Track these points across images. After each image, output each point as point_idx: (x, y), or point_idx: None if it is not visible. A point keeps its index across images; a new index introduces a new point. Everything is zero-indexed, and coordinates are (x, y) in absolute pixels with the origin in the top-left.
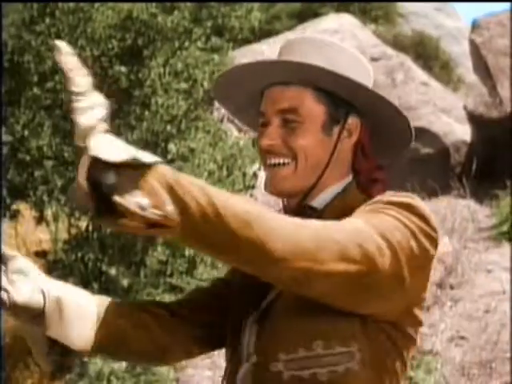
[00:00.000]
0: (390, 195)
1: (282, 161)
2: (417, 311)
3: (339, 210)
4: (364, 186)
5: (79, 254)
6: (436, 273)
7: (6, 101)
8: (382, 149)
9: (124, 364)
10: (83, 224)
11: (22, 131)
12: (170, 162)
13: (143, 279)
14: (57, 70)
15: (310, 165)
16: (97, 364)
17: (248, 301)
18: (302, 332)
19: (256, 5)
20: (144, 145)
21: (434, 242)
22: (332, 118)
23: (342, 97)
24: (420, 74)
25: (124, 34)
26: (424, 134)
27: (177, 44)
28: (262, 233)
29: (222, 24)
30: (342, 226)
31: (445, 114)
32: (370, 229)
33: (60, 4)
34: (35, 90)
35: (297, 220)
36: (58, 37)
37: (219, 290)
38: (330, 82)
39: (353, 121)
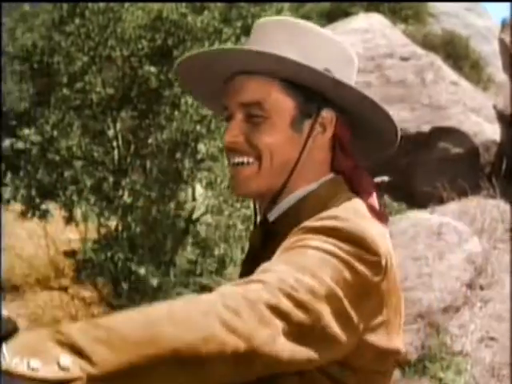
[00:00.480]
0: (316, 219)
1: (245, 160)
2: (373, 338)
3: (293, 221)
4: (350, 186)
5: (109, 254)
6: (466, 274)
7: (36, 101)
8: (365, 148)
9: None
10: (113, 223)
11: (51, 131)
12: (200, 161)
13: (173, 279)
14: (86, 70)
15: (277, 164)
16: None
17: None
18: None
19: (286, 5)
20: (174, 144)
21: (374, 265)
22: (302, 112)
23: (314, 89)
24: (450, 73)
25: (154, 34)
26: (454, 133)
27: (207, 44)
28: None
29: (252, 24)
30: (260, 281)
31: (474, 114)
32: (295, 273)
33: (90, 4)
34: (65, 90)
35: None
36: (88, 37)
37: None
38: (300, 75)
39: (327, 114)
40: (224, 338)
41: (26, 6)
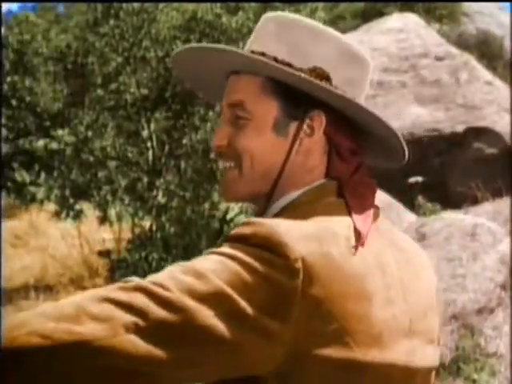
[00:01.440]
0: (234, 230)
1: (228, 164)
2: (325, 350)
3: None
4: (344, 196)
5: (143, 254)
6: (500, 275)
7: (70, 102)
8: (373, 155)
9: None
10: (147, 224)
11: (85, 132)
12: None
13: None
14: (121, 71)
15: (259, 169)
16: None
17: None
18: None
19: (320, 5)
20: (208, 145)
21: (286, 268)
22: (288, 114)
23: (300, 89)
24: (484, 73)
25: (188, 34)
26: (488, 133)
27: (241, 44)
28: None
29: None
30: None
31: (509, 114)
32: (177, 273)
33: (124, 5)
34: (99, 91)
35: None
36: (123, 38)
37: None
38: (278, 76)
39: (315, 115)
40: (59, 334)
41: (60, 7)
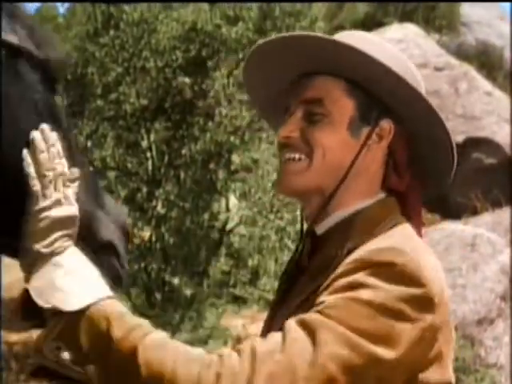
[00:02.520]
0: (371, 249)
1: (296, 156)
2: (424, 375)
3: (338, 235)
4: (402, 209)
5: (142, 264)
6: (500, 285)
7: (70, 112)
8: (420, 171)
9: None
10: (146, 234)
11: (85, 142)
12: (234, 172)
13: (206, 289)
14: (120, 81)
15: (328, 164)
16: None
17: None
18: None
19: (320, 15)
20: (208, 155)
21: (428, 303)
22: (362, 117)
23: (378, 95)
24: (484, 83)
25: (188, 45)
26: (487, 144)
27: (241, 55)
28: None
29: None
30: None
31: (508, 124)
32: (334, 344)
33: (124, 16)
34: (99, 101)
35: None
36: (123, 48)
37: None
38: (368, 75)
39: (386, 124)
40: None
41: (61, 18)
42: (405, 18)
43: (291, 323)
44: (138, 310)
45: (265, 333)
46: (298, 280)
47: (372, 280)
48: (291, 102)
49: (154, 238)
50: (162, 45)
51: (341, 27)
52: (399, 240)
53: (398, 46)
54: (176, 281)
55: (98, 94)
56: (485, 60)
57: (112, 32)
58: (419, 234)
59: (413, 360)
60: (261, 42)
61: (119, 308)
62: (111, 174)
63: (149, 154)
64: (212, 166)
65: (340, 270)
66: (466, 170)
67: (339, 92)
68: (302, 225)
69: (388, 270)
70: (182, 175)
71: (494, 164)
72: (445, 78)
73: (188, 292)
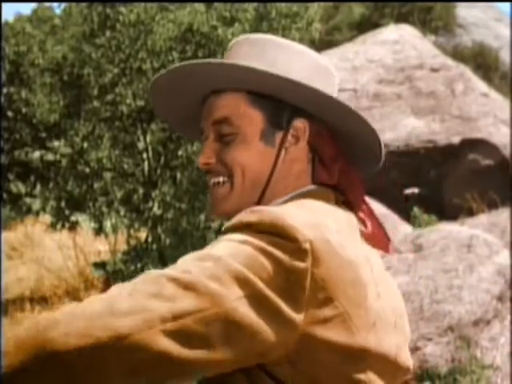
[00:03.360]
0: (236, 218)
1: (219, 179)
2: (325, 332)
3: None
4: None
5: (138, 265)
6: (496, 286)
7: (66, 113)
8: (353, 160)
9: None
10: (143, 235)
11: (81, 143)
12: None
13: None
14: (117, 82)
15: (249, 181)
16: None
17: None
18: None
19: (317, 16)
20: None
21: (295, 251)
22: (272, 124)
23: (283, 100)
24: (480, 84)
25: (184, 46)
26: (484, 145)
27: None
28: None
29: (283, 36)
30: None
31: (505, 125)
32: (195, 260)
33: (120, 17)
34: (95, 102)
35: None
36: (119, 49)
37: None
38: (265, 84)
39: (299, 124)
40: (96, 331)
41: (57, 19)
42: (401, 19)
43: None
44: None
45: None
46: None
47: (234, 232)
48: (203, 125)
49: (150, 239)
50: (159, 46)
51: (337, 28)
52: (274, 207)
53: (394, 47)
54: None
55: (94, 95)
56: (481, 61)
57: (108, 33)
58: (364, 222)
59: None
60: (158, 75)
61: None
62: (107, 175)
63: (145, 155)
64: None
65: None
66: (462, 171)
67: (244, 106)
68: None
69: (248, 226)
70: (179, 176)
71: (491, 165)
72: (441, 79)
73: None
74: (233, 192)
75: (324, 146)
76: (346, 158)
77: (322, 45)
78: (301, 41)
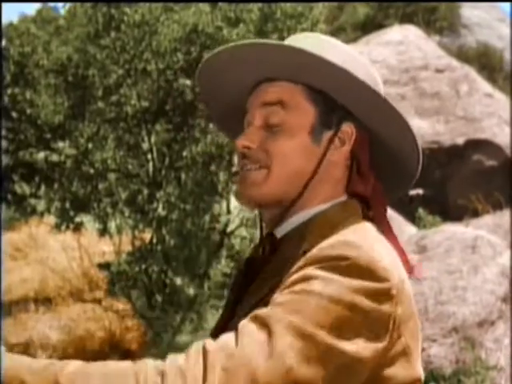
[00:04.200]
0: (322, 246)
1: (253, 166)
2: (390, 370)
3: (296, 237)
4: (364, 212)
5: (143, 266)
6: (500, 287)
7: (71, 114)
8: (385, 176)
9: None
10: (147, 236)
11: (86, 144)
12: (235, 174)
13: (207, 291)
14: (121, 83)
15: (289, 172)
16: None
17: None
18: None
19: (322, 17)
20: (209, 157)
21: (384, 293)
22: (323, 122)
23: (338, 100)
24: (484, 85)
25: (189, 47)
26: (488, 146)
27: None
28: None
29: (288, 36)
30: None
31: (509, 126)
32: (289, 336)
33: (125, 17)
34: (99, 103)
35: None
36: (124, 50)
37: None
38: (329, 80)
39: (347, 128)
40: None
41: (62, 20)
42: (405, 19)
43: (244, 321)
44: (138, 313)
45: (216, 335)
46: (254, 282)
47: (324, 273)
48: (250, 105)
49: (154, 240)
50: (163, 47)
51: (341, 29)
52: (352, 235)
53: (399, 48)
54: (177, 283)
55: (98, 95)
56: (485, 62)
57: (113, 34)
58: (387, 237)
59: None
60: (217, 50)
61: (21, 360)
62: (112, 176)
63: (150, 156)
64: (213, 167)
65: (293, 268)
66: (466, 172)
67: (299, 97)
68: (261, 228)
69: (340, 263)
70: (183, 177)
71: (495, 166)
72: (445, 79)
73: (189, 294)
74: (269, 179)
75: (364, 155)
76: (376, 170)
77: None
78: None
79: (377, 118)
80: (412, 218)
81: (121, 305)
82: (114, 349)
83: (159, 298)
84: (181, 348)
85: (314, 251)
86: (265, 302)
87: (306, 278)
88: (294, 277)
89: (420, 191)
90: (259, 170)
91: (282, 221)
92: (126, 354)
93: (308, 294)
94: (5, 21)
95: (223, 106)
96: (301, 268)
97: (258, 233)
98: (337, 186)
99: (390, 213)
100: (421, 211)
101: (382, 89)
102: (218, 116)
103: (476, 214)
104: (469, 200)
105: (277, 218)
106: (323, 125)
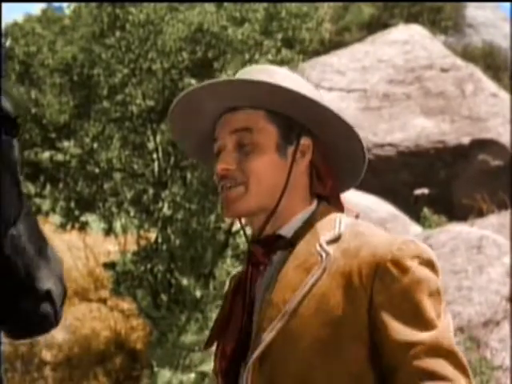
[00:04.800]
0: (387, 247)
1: (232, 184)
2: None
3: (309, 236)
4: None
5: (148, 266)
6: (505, 287)
7: (76, 114)
8: (341, 172)
9: (193, 375)
10: (152, 235)
11: (91, 144)
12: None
13: (212, 291)
14: (126, 82)
15: (264, 186)
16: (165, 376)
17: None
18: (310, 381)
19: (327, 16)
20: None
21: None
22: (285, 139)
23: (293, 117)
24: (490, 84)
25: (194, 46)
26: (493, 145)
27: (247, 56)
28: None
29: (293, 36)
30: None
31: None
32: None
33: (130, 17)
34: (105, 102)
35: None
36: (129, 49)
37: None
38: (283, 102)
39: (305, 141)
40: None
41: (67, 20)
42: (410, 19)
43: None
44: (143, 312)
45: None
46: (271, 275)
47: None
48: (219, 133)
49: (160, 240)
50: (168, 46)
51: (346, 29)
52: (382, 233)
53: (404, 48)
54: (182, 282)
55: (104, 95)
56: (490, 61)
57: (118, 33)
58: None
59: None
60: (184, 92)
61: None
62: (117, 176)
63: (155, 156)
64: None
65: (386, 278)
66: (471, 172)
67: (263, 121)
68: (244, 233)
69: (418, 260)
70: (189, 176)
71: (500, 166)
72: (451, 79)
73: (194, 293)
74: (247, 193)
75: (322, 161)
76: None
77: (331, 45)
78: (310, 41)
79: (327, 127)
80: (417, 218)
81: (126, 304)
82: (119, 348)
83: (164, 297)
84: (186, 348)
85: (394, 253)
86: (319, 292)
87: (406, 289)
88: (400, 293)
89: (425, 191)
90: (237, 187)
91: (267, 225)
92: (131, 354)
93: (419, 302)
94: (10, 20)
95: (194, 141)
96: (397, 281)
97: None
98: (304, 189)
99: (396, 212)
100: (426, 211)
101: (325, 101)
102: (191, 151)
103: (481, 213)
104: (474, 200)
105: (264, 225)
106: (286, 141)
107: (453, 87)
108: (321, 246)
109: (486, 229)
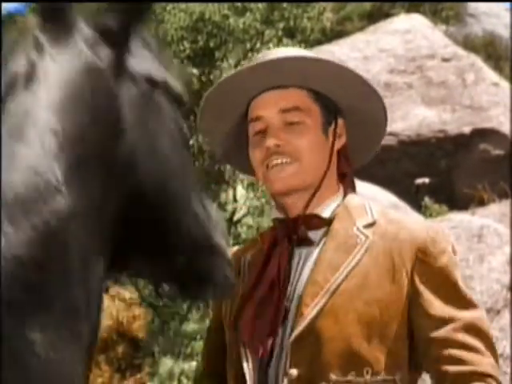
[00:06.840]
0: (434, 239)
1: (285, 160)
2: None
3: (345, 218)
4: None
5: None
6: (506, 276)
7: None
8: (356, 144)
9: (194, 364)
10: None
11: None
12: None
13: None
14: None
15: (314, 163)
16: (167, 364)
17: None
18: (354, 357)
19: (328, 6)
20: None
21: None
22: (326, 119)
23: (331, 98)
24: (491, 74)
25: (196, 35)
26: (494, 135)
27: (248, 45)
28: None
29: (294, 25)
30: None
31: None
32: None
33: None
34: None
35: None
36: None
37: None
38: (326, 82)
39: (340, 122)
40: None
41: None
42: (412, 8)
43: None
44: (145, 301)
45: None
46: (306, 254)
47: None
48: (263, 112)
49: None
50: (170, 35)
51: (348, 18)
52: (415, 219)
53: (405, 37)
54: None
55: None
56: (492, 51)
57: None
58: None
59: None
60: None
61: None
62: None
63: None
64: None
65: (426, 258)
66: (473, 161)
67: (308, 100)
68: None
69: (451, 245)
70: None
71: (501, 155)
72: (452, 68)
73: None
74: (302, 170)
75: (346, 140)
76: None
77: (333, 34)
78: (312, 30)
79: (362, 99)
80: (418, 207)
81: (128, 293)
82: (121, 337)
83: (166, 286)
84: (188, 336)
85: (425, 242)
86: (362, 273)
87: (445, 270)
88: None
89: (426, 180)
90: (292, 163)
91: (312, 203)
92: (133, 342)
93: (456, 283)
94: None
95: (228, 125)
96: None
97: (265, 220)
98: (335, 172)
99: (397, 202)
100: (427, 200)
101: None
102: (223, 151)
103: (482, 202)
104: (475, 189)
105: (307, 203)
106: (327, 121)
107: (454, 77)
108: (358, 229)
109: (487, 218)
